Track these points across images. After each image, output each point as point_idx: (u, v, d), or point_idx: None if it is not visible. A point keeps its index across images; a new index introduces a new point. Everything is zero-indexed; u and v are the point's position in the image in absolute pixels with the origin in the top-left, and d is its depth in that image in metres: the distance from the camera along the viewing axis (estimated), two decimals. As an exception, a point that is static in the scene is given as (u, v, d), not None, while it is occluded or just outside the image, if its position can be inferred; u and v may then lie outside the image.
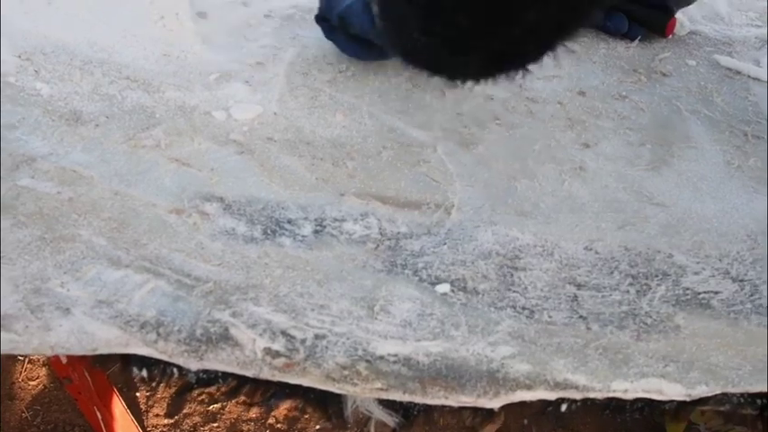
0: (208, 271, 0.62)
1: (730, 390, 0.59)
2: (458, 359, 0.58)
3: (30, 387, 1.40)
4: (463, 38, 0.58)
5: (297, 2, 1.00)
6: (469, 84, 0.78)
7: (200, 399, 1.40)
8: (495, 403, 0.58)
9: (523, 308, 0.63)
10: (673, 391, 0.59)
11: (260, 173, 0.72)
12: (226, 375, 0.62)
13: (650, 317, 0.64)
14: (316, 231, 0.67)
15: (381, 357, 0.57)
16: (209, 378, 0.63)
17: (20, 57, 0.78)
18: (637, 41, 1.02)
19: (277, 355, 0.57)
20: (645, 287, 0.66)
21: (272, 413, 1.38)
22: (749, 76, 0.98)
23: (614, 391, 0.58)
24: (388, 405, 0.68)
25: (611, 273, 0.68)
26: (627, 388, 0.58)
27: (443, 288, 0.64)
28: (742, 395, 0.63)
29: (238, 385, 0.65)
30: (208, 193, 0.69)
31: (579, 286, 0.66)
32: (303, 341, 0.57)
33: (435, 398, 0.57)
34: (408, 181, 0.74)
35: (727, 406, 0.64)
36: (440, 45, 0.60)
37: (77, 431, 1.36)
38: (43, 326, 0.56)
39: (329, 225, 0.68)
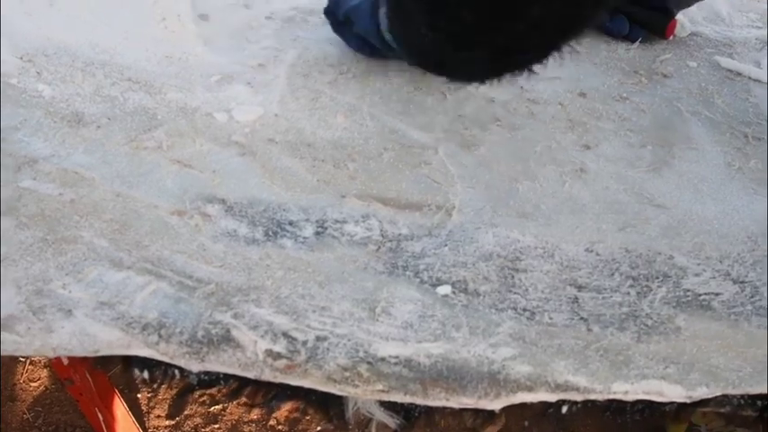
0: (209, 272, 0.62)
1: (731, 391, 0.59)
2: (459, 361, 0.58)
3: (31, 388, 1.40)
4: (468, 33, 0.58)
5: (298, 4, 1.00)
6: (475, 84, 0.79)
7: (201, 400, 1.40)
8: (495, 405, 0.58)
9: (524, 309, 0.63)
10: (673, 393, 0.59)
11: (261, 174, 0.72)
12: (227, 377, 0.62)
13: (651, 318, 0.64)
14: (317, 233, 0.67)
15: (382, 359, 0.57)
16: (210, 380, 0.63)
17: (22, 58, 0.78)
18: (638, 43, 1.02)
19: (278, 356, 0.57)
20: (645, 289, 0.67)
21: (274, 415, 1.38)
22: (750, 78, 0.98)
23: (615, 392, 0.58)
24: (390, 407, 0.68)
25: (612, 274, 0.68)
26: (627, 389, 0.58)
27: (444, 290, 0.64)
28: (742, 397, 0.63)
29: (240, 387, 0.65)
30: (209, 195, 0.69)
31: (580, 288, 0.66)
32: (304, 343, 0.57)
33: (436, 399, 0.57)
34: (409, 182, 0.74)
35: (728, 407, 0.64)
36: (445, 40, 0.60)
37: (79, 432, 1.36)
38: (45, 327, 0.56)
39: (330, 227, 0.68)
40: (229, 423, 1.38)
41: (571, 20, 0.58)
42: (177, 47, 0.87)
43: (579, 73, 0.95)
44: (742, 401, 0.64)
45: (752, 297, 0.67)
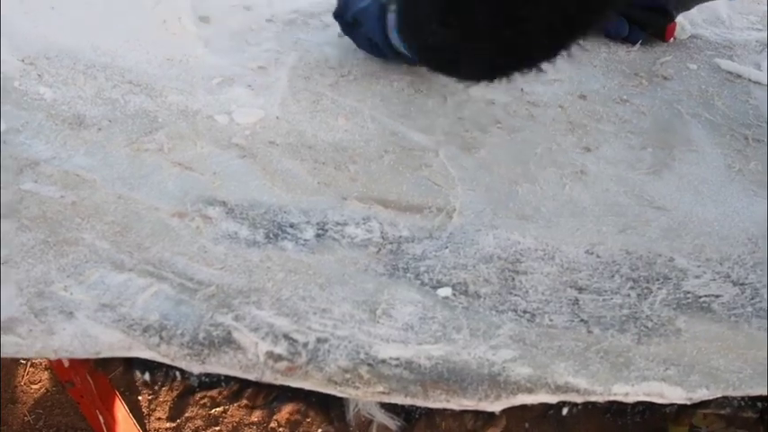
0: (210, 275, 0.62)
1: (731, 393, 0.59)
2: (459, 362, 0.58)
3: (32, 391, 1.40)
4: (479, 30, 0.58)
5: (298, 6, 1.01)
6: (483, 83, 0.79)
7: (202, 402, 1.40)
8: (496, 406, 0.58)
9: (525, 311, 0.63)
10: (673, 395, 0.59)
11: (262, 177, 0.72)
12: (228, 379, 0.62)
13: (651, 320, 0.64)
14: (318, 235, 0.68)
15: (383, 361, 0.57)
16: (211, 381, 0.63)
17: (23, 61, 0.78)
18: (638, 45, 1.02)
19: (279, 358, 0.57)
20: (646, 291, 0.67)
21: (274, 417, 1.38)
22: (750, 80, 0.98)
23: (615, 394, 0.58)
24: (390, 408, 0.68)
25: (612, 276, 0.68)
26: (628, 391, 0.58)
27: (445, 292, 0.64)
28: (743, 398, 0.63)
29: (240, 389, 0.66)
30: (210, 197, 0.69)
31: (580, 290, 0.66)
32: (305, 345, 0.58)
33: (437, 401, 0.57)
34: (410, 185, 0.74)
35: (728, 409, 0.64)
36: (456, 37, 0.61)
37: (79, 435, 1.36)
38: (46, 329, 0.56)
39: (331, 229, 0.68)
40: (230, 425, 1.38)
41: (579, 19, 0.59)
42: (178, 49, 0.87)
43: (579, 75, 0.95)
44: (742, 403, 0.64)
45: (752, 299, 0.67)
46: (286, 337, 0.58)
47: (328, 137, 0.79)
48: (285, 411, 1.38)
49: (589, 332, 0.62)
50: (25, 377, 1.42)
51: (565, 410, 0.63)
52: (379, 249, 0.67)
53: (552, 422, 1.41)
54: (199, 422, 1.38)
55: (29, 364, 1.43)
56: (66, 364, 0.89)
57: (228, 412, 1.39)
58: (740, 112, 0.92)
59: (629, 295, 0.66)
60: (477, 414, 0.62)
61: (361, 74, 0.89)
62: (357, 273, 0.65)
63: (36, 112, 0.73)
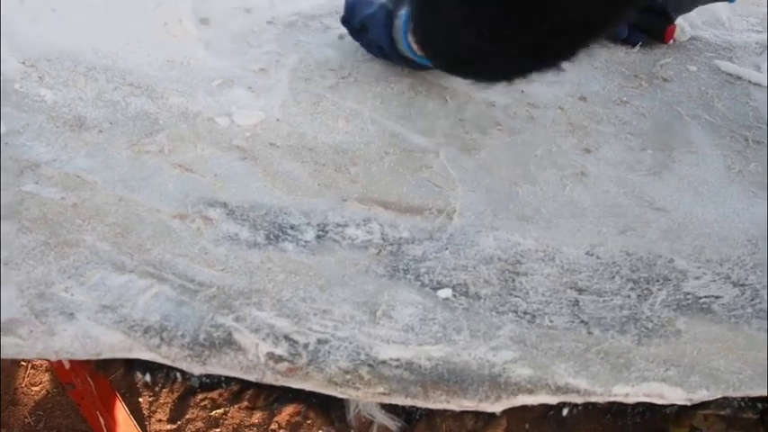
0: (211, 276, 0.62)
1: (731, 394, 0.59)
2: (460, 363, 0.58)
3: (33, 392, 1.41)
4: (505, 31, 0.59)
5: (299, 9, 1.01)
6: (504, 83, 0.80)
7: (202, 404, 1.40)
8: (496, 407, 0.58)
9: (525, 312, 0.63)
10: (674, 396, 0.59)
11: (263, 178, 0.72)
12: (229, 380, 0.62)
13: (651, 321, 0.64)
14: (318, 237, 0.68)
15: (384, 362, 0.58)
16: (212, 382, 0.63)
17: (24, 63, 0.78)
18: (638, 47, 1.02)
19: (280, 359, 0.57)
20: (646, 292, 0.67)
21: (275, 418, 1.38)
22: (750, 82, 0.98)
23: (615, 395, 0.58)
24: (391, 409, 0.68)
25: (613, 277, 0.68)
26: (628, 392, 0.58)
27: (445, 293, 0.64)
28: (743, 399, 0.64)
29: (241, 390, 0.66)
30: (211, 199, 0.69)
31: (580, 291, 0.66)
32: (306, 346, 0.58)
33: (437, 402, 0.57)
34: (410, 186, 0.75)
35: (728, 410, 0.64)
36: (483, 39, 0.61)
37: (80, 436, 1.36)
38: (47, 330, 0.56)
39: (332, 230, 0.68)
40: (231, 427, 1.38)
41: (598, 20, 0.59)
42: (179, 51, 0.88)
43: (579, 77, 0.95)
44: (742, 404, 0.64)
45: (752, 300, 0.67)
46: (287, 338, 0.58)
47: (329, 139, 0.79)
48: (286, 413, 1.38)
49: (589, 333, 0.62)
50: (26, 379, 1.42)
51: (565, 411, 0.63)
52: (380, 251, 0.67)
53: (553, 423, 1.41)
54: (199, 424, 1.38)
55: (29, 365, 1.43)
56: (67, 365, 0.89)
57: (229, 414, 1.39)
58: (740, 113, 0.92)
59: (629, 296, 0.66)
60: (478, 415, 0.62)
61: (362, 76, 0.89)
62: (357, 274, 0.65)
63: (37, 114, 0.73)
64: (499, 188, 0.76)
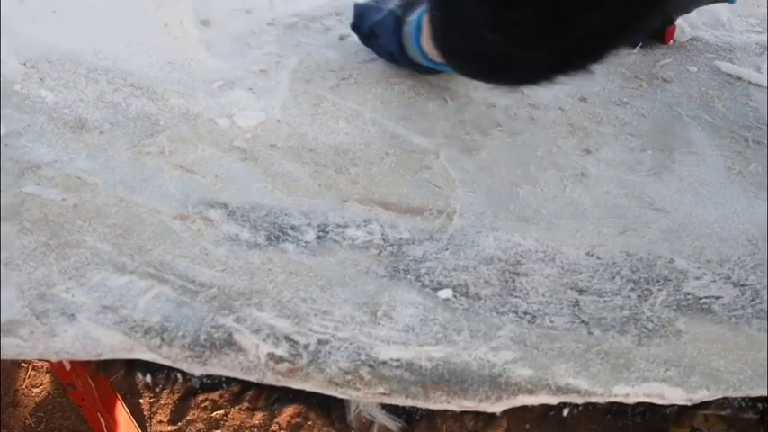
0: (212, 277, 0.62)
1: (731, 394, 0.60)
2: (460, 364, 0.58)
3: (33, 394, 1.41)
4: (531, 34, 0.58)
5: (299, 10, 1.01)
6: (528, 86, 0.79)
7: (203, 405, 1.40)
8: (497, 408, 0.58)
9: (525, 313, 0.63)
10: (674, 396, 0.59)
11: (263, 179, 0.73)
12: (229, 380, 0.62)
13: (651, 321, 0.64)
14: (319, 237, 0.68)
15: (384, 362, 0.58)
16: (212, 383, 0.63)
17: (25, 64, 0.79)
18: (638, 48, 1.02)
19: (280, 360, 0.57)
20: (646, 292, 0.67)
21: (276, 420, 1.38)
22: (750, 82, 0.98)
23: (616, 395, 0.58)
24: (391, 410, 0.68)
25: (613, 278, 0.68)
26: (628, 392, 0.58)
27: (446, 293, 0.64)
28: (743, 399, 0.64)
29: (242, 390, 0.66)
30: (212, 200, 0.69)
31: (581, 291, 0.66)
32: (306, 346, 0.58)
33: (438, 402, 0.57)
34: (411, 187, 0.75)
35: (728, 410, 0.64)
36: (506, 42, 0.60)
37: (81, 438, 1.36)
38: (48, 331, 0.56)
39: (332, 231, 0.69)
40: (231, 428, 1.38)
41: (629, 23, 0.58)
42: (180, 53, 0.88)
43: (579, 78, 0.95)
44: (743, 404, 0.64)
45: (752, 300, 0.67)
46: (287, 338, 0.58)
47: (329, 140, 0.79)
48: (286, 414, 1.38)
49: (590, 333, 0.62)
50: (27, 380, 1.42)
51: (565, 411, 0.63)
52: (380, 251, 0.67)
53: (553, 423, 1.41)
54: (200, 425, 1.38)
55: (30, 367, 1.44)
56: (68, 366, 0.89)
57: (230, 415, 1.39)
58: (740, 114, 0.92)
59: (629, 297, 0.66)
60: (478, 415, 0.62)
61: (362, 77, 0.89)
62: (358, 274, 0.65)
63: (38, 116, 0.73)
64: (499, 189, 0.76)
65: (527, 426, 1.43)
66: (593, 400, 0.58)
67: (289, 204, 0.70)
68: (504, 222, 0.72)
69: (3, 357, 0.56)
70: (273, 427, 1.38)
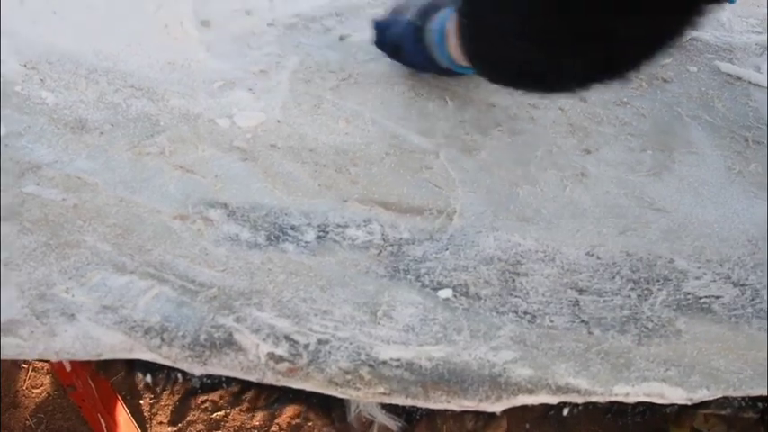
0: (212, 276, 0.62)
1: (731, 393, 0.60)
2: (460, 364, 0.58)
3: (33, 395, 1.41)
4: (558, 42, 0.57)
5: (300, 10, 1.01)
6: (561, 94, 0.78)
7: (203, 406, 1.40)
8: (497, 407, 0.58)
9: (525, 312, 0.63)
10: (674, 395, 0.59)
11: (263, 179, 0.73)
12: (229, 380, 0.62)
13: (651, 321, 0.64)
14: (319, 237, 0.68)
15: (384, 362, 0.58)
16: (212, 383, 0.63)
17: (26, 66, 0.79)
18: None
19: (280, 359, 0.57)
20: (646, 292, 0.67)
21: (276, 421, 1.38)
22: (750, 83, 0.98)
23: (616, 394, 0.58)
24: (391, 409, 0.68)
25: (613, 278, 0.68)
26: (628, 392, 0.58)
27: (446, 293, 0.64)
28: (743, 399, 0.64)
29: (242, 390, 0.66)
30: (212, 200, 0.69)
31: (581, 291, 0.66)
32: (306, 346, 0.58)
33: (438, 402, 0.57)
34: (411, 187, 0.75)
35: (729, 409, 0.64)
36: (536, 50, 0.60)
37: (81, 439, 1.36)
38: (48, 331, 0.56)
39: (332, 231, 0.69)
40: (232, 429, 1.38)
41: (667, 31, 0.57)
42: (180, 53, 0.88)
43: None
44: (743, 403, 0.64)
45: (752, 300, 0.67)
46: (287, 338, 0.58)
47: (329, 140, 0.79)
48: (286, 415, 1.38)
49: (590, 333, 0.62)
50: (27, 381, 1.42)
51: (566, 411, 0.63)
52: (380, 251, 0.67)
53: (553, 423, 1.41)
54: (200, 426, 1.38)
55: (30, 368, 1.44)
56: (68, 367, 0.89)
57: (230, 416, 1.39)
58: (740, 114, 0.92)
59: (629, 296, 0.66)
60: (478, 415, 0.62)
61: (362, 77, 0.89)
62: (358, 274, 0.65)
63: (38, 117, 0.73)
64: (499, 189, 0.76)
65: (527, 425, 1.43)
66: (594, 399, 0.59)
67: (289, 204, 0.70)
68: (504, 222, 0.72)
69: (3, 357, 0.56)
70: (273, 428, 1.38)
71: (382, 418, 0.68)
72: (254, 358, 0.57)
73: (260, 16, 0.98)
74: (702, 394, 0.59)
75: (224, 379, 0.62)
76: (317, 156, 0.77)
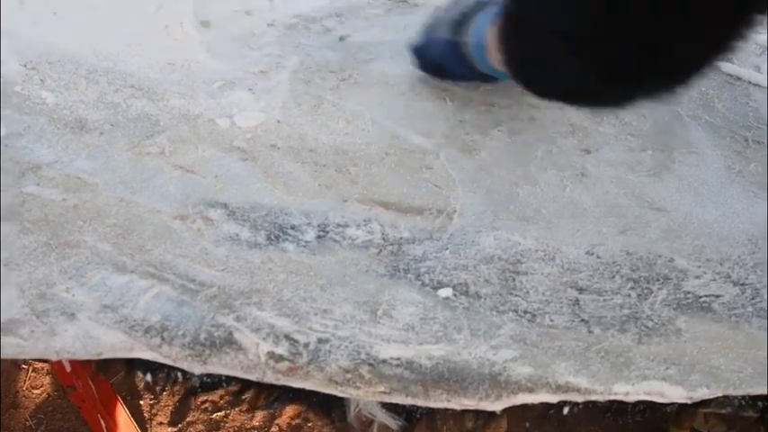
0: (212, 276, 0.62)
1: (731, 392, 0.60)
2: (460, 362, 0.58)
3: (33, 395, 1.41)
4: (618, 69, 0.57)
5: (300, 11, 1.01)
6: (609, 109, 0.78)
7: (203, 407, 1.40)
8: (497, 406, 0.58)
9: (525, 312, 0.63)
10: (674, 394, 0.59)
11: (263, 179, 0.73)
12: (229, 379, 0.62)
13: (651, 320, 0.64)
14: (319, 237, 0.68)
15: (384, 361, 0.58)
16: (212, 382, 0.63)
17: (26, 66, 0.79)
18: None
19: (280, 358, 0.57)
20: (646, 291, 0.67)
21: (276, 421, 1.38)
22: (750, 83, 0.98)
23: (616, 393, 0.58)
24: (391, 408, 0.68)
25: (613, 277, 0.68)
26: (628, 391, 0.58)
27: (446, 292, 0.64)
28: (743, 398, 0.64)
29: (242, 389, 0.66)
30: (212, 200, 0.69)
31: (581, 290, 0.66)
32: (306, 345, 0.58)
33: (438, 401, 0.57)
34: (411, 187, 0.75)
35: (728, 408, 0.64)
36: (594, 78, 0.59)
37: (81, 439, 1.36)
38: (48, 331, 0.56)
39: (332, 230, 0.69)
40: (231, 429, 1.38)
41: (720, 47, 0.57)
42: (180, 54, 0.88)
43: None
44: (743, 402, 0.64)
45: (752, 299, 0.67)
46: (287, 337, 0.58)
47: (329, 140, 0.79)
48: (286, 416, 1.38)
49: (590, 332, 0.62)
50: (27, 382, 1.42)
51: (566, 410, 0.63)
52: (380, 251, 0.67)
53: (553, 422, 1.41)
54: (200, 427, 1.38)
55: (30, 368, 1.44)
56: (68, 368, 0.89)
57: (230, 417, 1.39)
58: (740, 114, 0.92)
59: (629, 295, 0.66)
60: (478, 414, 0.62)
61: (362, 78, 0.89)
62: (358, 274, 0.65)
63: (38, 117, 0.73)
64: (499, 189, 0.76)
65: (527, 424, 1.43)
66: (594, 398, 0.59)
67: (289, 204, 0.71)
68: (504, 222, 0.72)
69: (3, 357, 0.56)
70: (273, 429, 1.38)
71: (382, 417, 0.68)
72: (254, 357, 0.57)
73: (260, 17, 0.99)
74: (702, 393, 0.59)
75: (224, 378, 0.61)
76: (317, 156, 0.77)
